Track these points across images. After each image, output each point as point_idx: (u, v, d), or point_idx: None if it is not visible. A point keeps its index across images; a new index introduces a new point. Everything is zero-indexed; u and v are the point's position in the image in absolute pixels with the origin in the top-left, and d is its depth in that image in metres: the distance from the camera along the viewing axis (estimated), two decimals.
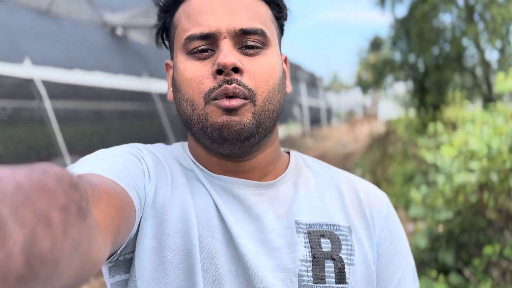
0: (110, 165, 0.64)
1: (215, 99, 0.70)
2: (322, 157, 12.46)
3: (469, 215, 3.01)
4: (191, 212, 0.71)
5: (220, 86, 0.70)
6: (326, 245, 0.75)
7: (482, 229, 2.99)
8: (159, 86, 8.53)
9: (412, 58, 10.37)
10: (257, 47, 0.74)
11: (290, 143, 15.05)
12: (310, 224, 0.76)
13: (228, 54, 0.70)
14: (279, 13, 0.81)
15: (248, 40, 0.73)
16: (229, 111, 0.70)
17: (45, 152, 5.57)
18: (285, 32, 0.87)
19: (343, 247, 0.76)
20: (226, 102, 0.70)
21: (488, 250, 2.83)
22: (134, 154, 0.74)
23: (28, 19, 6.11)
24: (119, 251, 0.64)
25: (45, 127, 5.56)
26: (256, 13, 0.75)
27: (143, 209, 0.70)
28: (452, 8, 8.96)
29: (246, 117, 0.71)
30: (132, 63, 8.19)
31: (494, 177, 2.83)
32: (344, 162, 11.14)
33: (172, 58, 0.82)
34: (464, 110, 7.91)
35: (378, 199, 0.85)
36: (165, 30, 0.83)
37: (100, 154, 0.69)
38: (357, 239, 0.78)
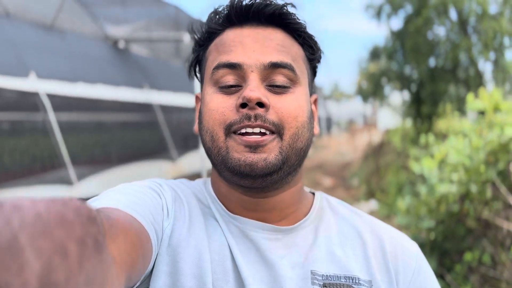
0: (130, 199, 0.65)
1: (235, 132, 0.69)
2: (320, 166, 12.62)
3: (451, 223, 3.19)
4: (206, 255, 0.70)
5: (241, 121, 0.68)
6: None
7: (462, 237, 3.17)
8: (160, 97, 8.73)
9: (407, 69, 10.58)
10: (285, 87, 0.72)
11: None
12: (326, 275, 0.71)
13: (254, 88, 0.68)
14: (312, 55, 0.79)
15: (276, 77, 0.71)
16: (253, 147, 0.68)
17: (49, 162, 5.75)
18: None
19: None
20: (249, 138, 0.68)
21: (468, 256, 3.00)
22: (154, 189, 0.74)
23: (33, 34, 6.31)
24: None
25: (49, 138, 5.74)
26: (287, 50, 0.74)
27: (160, 245, 0.70)
28: (446, 21, 9.17)
29: (273, 154, 0.69)
30: (133, 76, 8.38)
31: (474, 188, 3.01)
32: (342, 171, 11.29)
33: (201, 91, 0.80)
34: (455, 121, 8.09)
35: (406, 252, 0.78)
36: (198, 63, 0.83)
37: (121, 189, 0.69)
38: None
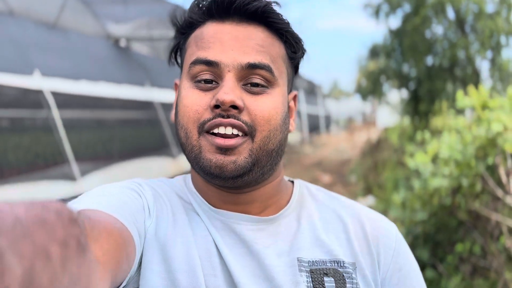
0: (110, 200, 0.64)
1: (208, 131, 0.69)
2: (319, 164, 12.74)
3: (443, 216, 3.31)
4: (193, 250, 0.70)
5: (214, 118, 0.69)
6: (330, 284, 0.71)
7: (454, 229, 3.29)
8: (161, 95, 8.84)
9: (406, 68, 10.70)
10: (262, 86, 0.71)
11: (289, 150, 15.33)
12: (312, 261, 0.73)
13: (229, 91, 0.67)
14: (294, 53, 0.78)
15: (253, 77, 0.71)
16: (224, 150, 0.68)
17: (53, 158, 5.86)
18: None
19: (347, 285, 0.72)
20: (220, 141, 0.68)
21: (459, 247, 3.12)
22: (134, 189, 0.74)
23: (36, 32, 6.41)
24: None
25: (53, 135, 5.84)
26: (267, 50, 0.72)
27: (144, 245, 0.69)
28: (443, 20, 9.29)
29: (242, 156, 0.69)
30: (135, 73, 8.49)
31: (465, 182, 3.13)
32: (340, 168, 11.41)
33: (180, 80, 0.80)
34: (450, 118, 8.22)
35: (386, 233, 0.80)
36: (179, 50, 0.82)
37: (100, 191, 0.69)
38: (362, 276, 0.74)
